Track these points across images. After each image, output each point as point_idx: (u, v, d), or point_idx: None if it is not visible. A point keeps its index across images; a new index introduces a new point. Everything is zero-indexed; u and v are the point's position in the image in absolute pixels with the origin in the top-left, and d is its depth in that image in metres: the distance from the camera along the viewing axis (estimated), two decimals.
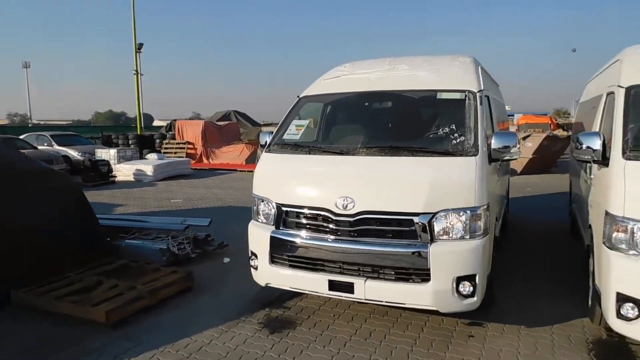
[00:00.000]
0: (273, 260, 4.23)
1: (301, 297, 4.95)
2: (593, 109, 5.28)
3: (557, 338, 4.04)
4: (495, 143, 4.04)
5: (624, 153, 3.52)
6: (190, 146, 20.79)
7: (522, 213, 9.13)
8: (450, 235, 3.75)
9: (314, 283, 4.04)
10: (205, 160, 20.29)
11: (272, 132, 4.89)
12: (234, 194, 12.57)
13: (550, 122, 29.16)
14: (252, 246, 4.45)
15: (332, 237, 3.96)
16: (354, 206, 3.86)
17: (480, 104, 4.28)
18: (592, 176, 4.47)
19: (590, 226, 4.38)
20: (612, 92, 4.19)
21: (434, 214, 3.73)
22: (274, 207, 4.23)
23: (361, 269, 3.89)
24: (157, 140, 22.67)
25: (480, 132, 4.04)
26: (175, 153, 20.70)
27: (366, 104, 4.90)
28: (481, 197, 3.77)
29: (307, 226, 4.09)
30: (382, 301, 3.88)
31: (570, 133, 19.12)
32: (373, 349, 3.88)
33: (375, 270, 3.85)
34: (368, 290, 3.85)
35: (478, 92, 4.37)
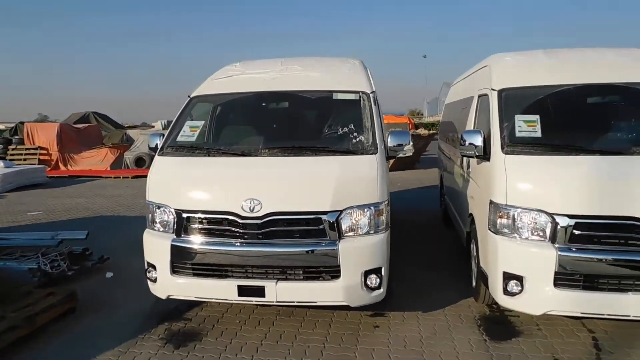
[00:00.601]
0: (175, 270, 3.97)
1: (201, 306, 4.73)
2: (464, 109, 5.84)
3: (451, 319, 4.40)
4: (391, 141, 4.27)
5: (502, 148, 3.95)
6: (44, 152, 18.55)
7: (399, 206, 9.80)
8: (357, 231, 3.87)
9: (222, 290, 3.88)
10: (62, 167, 18.27)
11: (163, 135, 4.59)
12: (104, 202, 11.53)
13: (408, 121, 31.69)
14: (149, 257, 4.13)
15: (240, 241, 3.83)
16: (261, 208, 3.78)
17: (375, 104, 4.50)
18: (470, 170, 4.94)
19: (470, 215, 4.85)
20: (485, 94, 4.69)
21: (341, 211, 3.81)
22: (173, 214, 3.97)
23: (272, 272, 3.83)
24: (1, 146, 19.85)
25: (377, 131, 4.24)
26: (25, 160, 18.32)
27: (263, 104, 4.84)
28: (382, 193, 3.95)
29: (212, 231, 3.91)
30: (293, 302, 3.87)
31: (431, 132, 21.03)
32: (286, 351, 3.85)
33: (285, 271, 3.82)
34: (280, 292, 3.80)
35: (371, 93, 4.57)
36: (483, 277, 4.26)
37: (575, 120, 4.23)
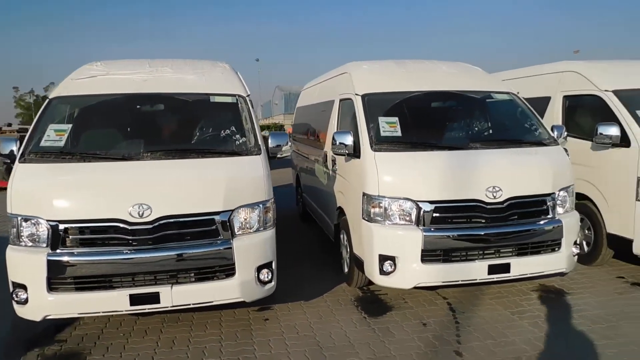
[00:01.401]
0: (52, 287, 3.63)
1: (73, 324, 4.37)
2: (324, 112, 6.35)
3: (332, 304, 4.82)
4: (272, 142, 4.51)
5: (372, 146, 4.49)
6: None
7: None
8: (248, 228, 4.02)
9: (111, 302, 3.68)
10: None
11: (19, 140, 4.13)
12: None
13: None
14: (16, 276, 3.69)
15: (129, 248, 3.69)
16: (151, 213, 3.70)
17: (252, 107, 4.69)
18: (337, 167, 5.43)
19: (339, 208, 5.35)
20: (348, 99, 5.22)
21: (232, 211, 3.93)
22: (47, 227, 3.63)
23: (165, 276, 3.77)
24: None
25: (257, 133, 4.44)
26: None
27: (138, 106, 4.64)
28: (269, 191, 4.18)
29: (96, 241, 3.69)
30: (190, 304, 3.86)
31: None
32: (184, 355, 3.83)
33: (181, 274, 3.80)
34: (175, 296, 3.77)
35: (247, 96, 4.75)
36: (358, 263, 4.76)
37: (425, 121, 5.00)
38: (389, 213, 4.30)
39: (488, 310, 4.54)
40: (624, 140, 5.06)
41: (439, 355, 3.76)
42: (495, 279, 4.36)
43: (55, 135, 4.10)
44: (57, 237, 3.63)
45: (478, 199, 4.24)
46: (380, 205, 4.32)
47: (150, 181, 3.81)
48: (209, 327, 4.31)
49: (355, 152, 4.66)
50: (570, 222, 4.50)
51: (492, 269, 4.26)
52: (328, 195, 5.86)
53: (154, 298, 3.73)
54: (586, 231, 5.65)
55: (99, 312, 3.75)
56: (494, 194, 4.24)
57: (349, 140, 4.66)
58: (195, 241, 3.83)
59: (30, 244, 3.68)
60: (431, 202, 4.22)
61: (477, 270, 4.26)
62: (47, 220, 3.62)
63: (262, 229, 4.10)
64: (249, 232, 4.02)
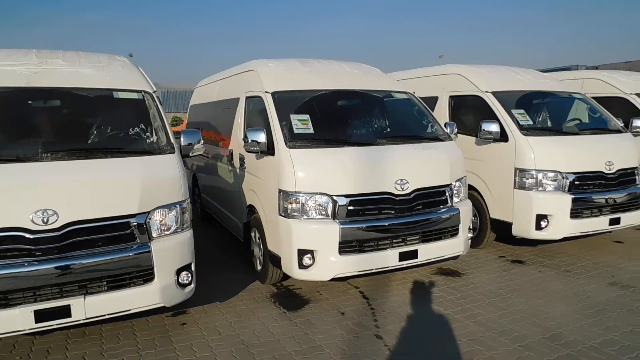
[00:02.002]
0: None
1: None
2: (227, 110, 6.26)
3: (248, 302, 4.79)
4: (184, 140, 4.34)
5: (286, 143, 4.54)
6: None
7: None
8: (166, 230, 3.85)
9: (11, 321, 3.29)
10: None
11: None
12: None
13: None
14: None
15: (31, 259, 3.32)
16: (57, 219, 3.37)
17: (160, 104, 4.47)
18: (246, 166, 5.39)
19: (250, 206, 5.33)
20: (257, 96, 5.21)
21: (149, 212, 3.73)
22: None
23: (76, 287, 3.46)
24: None
25: (169, 131, 4.26)
26: None
27: (29, 102, 4.16)
28: (185, 191, 4.04)
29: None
30: (105, 315, 3.58)
31: None
32: None
33: (94, 283, 3.52)
34: (89, 307, 3.48)
35: (154, 92, 4.52)
36: (273, 259, 4.79)
37: (334, 119, 5.18)
38: (306, 208, 4.40)
39: (397, 295, 4.87)
40: (503, 136, 5.74)
41: (361, 340, 3.96)
42: (405, 265, 4.68)
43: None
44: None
45: (388, 191, 4.52)
46: (297, 200, 4.40)
47: (54, 184, 3.46)
48: (122, 338, 4.04)
49: (269, 149, 4.68)
50: (465, 210, 4.99)
51: (403, 256, 4.58)
52: (235, 194, 5.79)
53: (64, 312, 3.41)
54: (472, 217, 6.30)
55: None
56: (402, 186, 4.55)
57: (262, 137, 4.66)
58: (109, 247, 3.57)
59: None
60: (346, 196, 4.40)
61: (389, 258, 4.54)
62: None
63: (180, 230, 3.95)
64: (167, 234, 3.85)
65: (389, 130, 5.46)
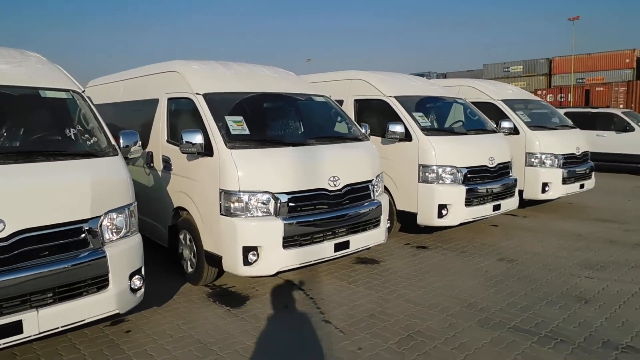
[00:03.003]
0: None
1: None
2: (140, 111, 6.06)
3: (188, 304, 4.78)
4: (123, 142, 4.21)
5: (226, 144, 4.63)
6: None
7: None
8: (117, 234, 3.74)
9: (323, 251, 3.09)
10: None
11: None
12: None
13: None
14: None
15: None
16: (4, 228, 3.11)
17: (92, 104, 4.28)
18: (172, 168, 5.32)
19: (177, 209, 5.28)
20: (185, 98, 5.19)
21: (100, 217, 3.60)
22: None
23: (27, 300, 3.22)
24: None
25: (108, 132, 4.10)
26: None
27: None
28: (132, 193, 3.95)
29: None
30: (58, 327, 3.37)
31: None
32: None
33: (46, 294, 3.30)
34: (42, 321, 3.26)
35: (83, 92, 4.31)
36: (211, 259, 4.84)
37: (265, 120, 5.38)
38: (249, 206, 4.55)
39: (329, 284, 5.25)
40: (407, 136, 6.46)
41: (312, 326, 4.25)
42: (338, 255, 5.07)
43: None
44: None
45: (323, 187, 4.87)
46: (240, 199, 4.53)
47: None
48: (66, 354, 3.80)
49: (206, 150, 4.72)
50: (384, 202, 5.55)
51: (337, 247, 4.96)
52: (158, 198, 5.66)
53: (16, 328, 3.15)
54: None
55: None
56: (335, 183, 4.94)
57: (198, 139, 4.67)
58: (61, 254, 3.38)
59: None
60: (287, 194, 4.65)
61: (326, 249, 4.88)
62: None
63: (129, 234, 3.85)
64: (118, 239, 3.74)
65: (315, 131, 5.81)
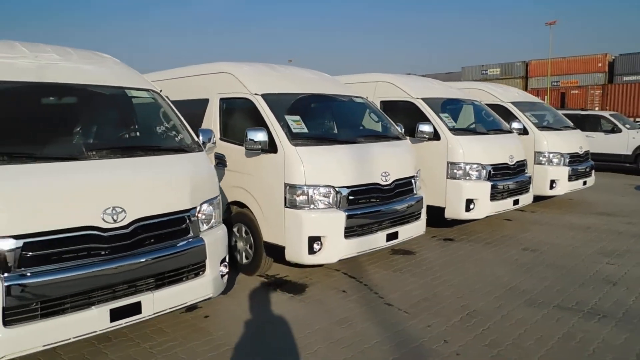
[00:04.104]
0: (8, 320, 2.97)
1: None
2: (184, 111, 6.32)
3: (250, 291, 5.09)
4: (202, 138, 4.50)
5: (290, 142, 4.97)
6: None
7: None
8: (210, 224, 4.05)
9: (89, 322, 3.23)
10: None
11: None
12: None
13: None
14: None
15: (102, 258, 3.30)
16: (125, 216, 3.40)
17: (171, 103, 4.56)
18: (227, 165, 5.61)
19: (230, 204, 5.57)
20: (242, 98, 5.50)
21: (197, 207, 3.90)
22: (11, 242, 2.94)
23: (145, 283, 3.51)
24: None
25: (190, 129, 4.40)
26: None
27: (44, 98, 3.91)
28: (218, 186, 4.26)
29: (65, 254, 3.17)
30: (166, 310, 3.66)
31: None
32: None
33: (159, 278, 3.59)
34: (156, 302, 3.55)
35: (160, 91, 4.59)
36: (272, 250, 5.18)
37: (317, 119, 5.73)
38: (314, 199, 4.91)
39: (376, 273, 5.64)
40: (435, 136, 6.92)
41: (376, 309, 4.63)
42: (389, 245, 5.48)
43: None
44: (19, 257, 2.98)
45: (377, 182, 5.27)
46: (305, 192, 4.88)
47: (118, 182, 3.46)
48: (157, 336, 4.07)
49: (270, 147, 5.04)
50: (424, 196, 5.98)
51: (389, 237, 5.36)
52: None
53: (136, 309, 3.43)
54: None
55: (71, 339, 3.21)
56: (386, 178, 5.34)
57: (262, 137, 4.98)
58: (168, 242, 3.67)
59: None
60: (347, 187, 5.02)
61: (379, 239, 5.28)
62: (10, 236, 2.93)
63: (216, 224, 4.16)
64: (209, 228, 4.05)
65: (360, 130, 6.19)
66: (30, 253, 3.03)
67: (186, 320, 4.38)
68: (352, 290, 5.12)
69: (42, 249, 3.07)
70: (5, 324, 2.92)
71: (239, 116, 5.69)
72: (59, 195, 3.17)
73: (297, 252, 4.95)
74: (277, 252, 5.15)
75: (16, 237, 2.98)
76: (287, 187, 4.92)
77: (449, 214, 6.97)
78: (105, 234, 3.28)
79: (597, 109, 29.10)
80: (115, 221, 3.32)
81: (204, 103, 6.06)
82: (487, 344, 3.92)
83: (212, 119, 5.92)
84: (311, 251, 4.90)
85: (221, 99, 5.83)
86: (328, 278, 5.48)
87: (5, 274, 2.94)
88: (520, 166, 7.52)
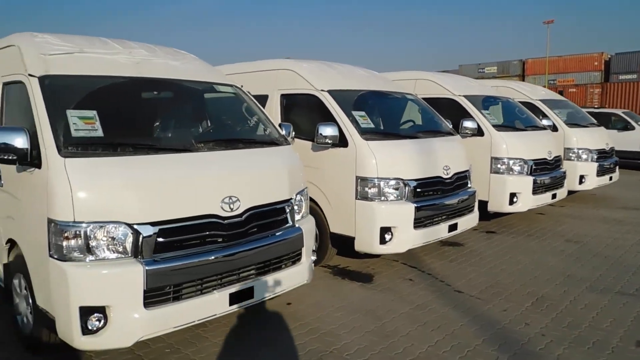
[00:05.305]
0: (150, 302, 3.15)
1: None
2: None
3: (321, 280, 5.29)
4: (284, 132, 4.69)
5: (361, 136, 5.18)
6: None
7: None
8: (302, 214, 4.24)
9: (212, 305, 3.41)
10: None
11: (25, 130, 3.24)
12: None
13: None
14: (85, 298, 3.01)
15: (222, 245, 3.48)
16: (240, 205, 3.59)
17: (253, 98, 4.75)
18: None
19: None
20: (306, 94, 5.69)
21: (293, 197, 4.10)
22: (129, 230, 3.11)
23: (254, 269, 3.70)
24: None
25: (275, 123, 4.59)
26: None
27: (144, 92, 4.07)
28: (304, 178, 4.46)
29: (191, 240, 3.36)
30: (270, 295, 3.85)
31: None
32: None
33: (266, 265, 3.78)
34: (265, 288, 3.74)
35: (241, 86, 4.77)
36: (339, 240, 5.39)
37: (377, 115, 5.94)
38: (384, 191, 5.12)
39: (433, 263, 5.87)
40: (480, 133, 7.17)
41: (447, 295, 4.86)
42: (449, 236, 5.73)
43: (83, 123, 3.39)
44: (152, 244, 3.16)
45: (439, 175, 5.50)
46: (376, 185, 5.09)
47: (232, 172, 3.65)
48: (259, 317, 4.27)
49: (341, 142, 5.24)
50: (477, 191, 6.23)
51: (450, 228, 5.60)
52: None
53: (250, 293, 3.63)
54: None
55: (195, 321, 3.39)
56: (447, 172, 5.57)
57: (333, 131, 5.17)
58: (272, 230, 3.87)
59: (114, 255, 3.08)
60: (415, 180, 5.25)
61: (442, 230, 5.52)
62: (127, 224, 3.10)
63: (306, 214, 4.36)
64: (303, 218, 4.24)
65: (418, 125, 6.42)
66: (163, 239, 3.21)
67: (270, 306, 4.58)
68: (418, 278, 5.35)
69: (173, 236, 3.25)
70: (145, 305, 3.10)
71: (301, 111, 5.88)
72: (186, 184, 3.36)
73: (368, 242, 5.16)
74: (344, 243, 5.36)
75: (153, 224, 3.16)
76: (359, 180, 5.13)
77: (492, 207, 7.22)
78: (224, 222, 3.47)
79: (596, 106, 29.60)
80: (232, 210, 3.50)
81: (263, 99, 6.22)
82: (566, 325, 4.16)
83: (272, 115, 6.07)
84: (382, 241, 5.11)
85: (282, 95, 6.01)
86: (390, 268, 5.69)
87: (145, 259, 3.12)
88: (557, 161, 7.81)
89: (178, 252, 3.28)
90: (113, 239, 3.07)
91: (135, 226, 3.10)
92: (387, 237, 5.12)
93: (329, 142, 5.15)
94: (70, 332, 3.01)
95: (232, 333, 4.04)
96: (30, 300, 3.46)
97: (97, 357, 3.65)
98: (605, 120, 14.41)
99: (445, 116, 7.43)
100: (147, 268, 3.07)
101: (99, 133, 3.37)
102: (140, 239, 3.12)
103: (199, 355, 3.67)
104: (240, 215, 3.57)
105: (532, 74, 43.12)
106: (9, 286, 3.86)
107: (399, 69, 7.89)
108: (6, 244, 3.80)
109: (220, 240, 3.48)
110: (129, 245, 3.11)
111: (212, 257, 3.37)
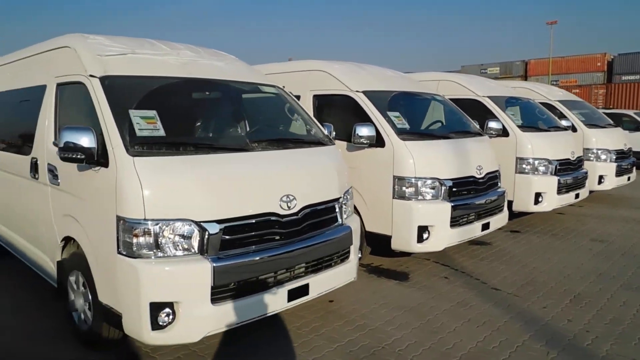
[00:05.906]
0: (216, 298, 3.22)
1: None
2: None
3: (361, 279, 5.36)
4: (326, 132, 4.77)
5: (398, 136, 5.26)
6: None
7: None
8: (347, 213, 4.32)
9: (272, 302, 3.48)
10: None
11: (91, 130, 3.31)
12: None
13: None
14: (159, 294, 3.09)
15: (280, 242, 3.55)
16: (296, 204, 3.66)
17: (295, 98, 4.82)
18: None
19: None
20: (339, 95, 5.77)
21: (342, 196, 4.17)
22: (196, 228, 3.18)
23: (309, 267, 3.77)
24: None
25: (318, 123, 4.66)
26: None
27: (194, 92, 4.14)
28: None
29: (253, 238, 3.43)
30: (323, 292, 3.90)
31: None
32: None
33: (319, 263, 3.85)
34: (319, 285, 3.81)
35: (283, 87, 4.84)
36: (375, 239, 5.46)
37: (409, 115, 6.02)
38: (421, 191, 5.20)
39: (464, 261, 5.94)
40: (504, 133, 7.25)
41: (485, 292, 4.94)
42: (482, 234, 5.80)
43: (145, 123, 3.46)
44: (216, 241, 3.23)
45: (473, 175, 5.58)
46: (414, 184, 5.17)
47: (288, 172, 3.72)
48: (290, 319, 4.34)
49: (377, 142, 5.31)
50: (507, 190, 6.31)
51: (483, 227, 5.68)
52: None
53: (305, 290, 3.69)
54: None
55: (256, 317, 3.46)
56: (480, 171, 5.65)
57: (371, 132, 5.22)
58: (325, 228, 3.94)
59: (181, 252, 3.15)
60: (451, 179, 5.33)
61: (476, 229, 5.59)
62: (194, 221, 3.17)
63: (351, 213, 4.43)
64: (350, 216, 4.31)
65: (448, 125, 6.50)
66: (228, 237, 3.28)
67: (314, 305, 4.64)
68: (453, 277, 5.42)
69: (237, 233, 3.33)
70: (212, 301, 3.17)
71: (335, 112, 5.96)
72: (248, 183, 3.43)
73: (405, 241, 5.24)
74: (379, 242, 5.43)
75: (219, 222, 3.23)
76: (396, 179, 5.21)
77: (517, 207, 7.30)
78: (283, 220, 3.54)
79: (601, 106, 29.75)
80: (289, 208, 3.57)
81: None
82: (608, 322, 4.24)
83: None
84: (420, 240, 5.19)
85: (314, 96, 6.09)
86: (423, 266, 5.77)
87: (212, 256, 3.19)
88: (580, 162, 7.90)
89: (240, 250, 3.35)
90: (181, 236, 3.15)
91: (202, 224, 3.17)
92: (425, 235, 5.19)
93: (366, 142, 5.22)
94: (139, 327, 3.08)
95: (293, 328, 4.12)
96: (90, 297, 3.54)
97: (153, 352, 3.73)
98: (616, 121, 14.44)
99: (468, 117, 7.53)
100: (214, 265, 3.14)
101: (161, 132, 3.44)
102: (207, 236, 3.19)
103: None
104: (297, 214, 3.64)
105: (534, 74, 43.23)
106: (63, 284, 3.93)
107: (399, 69, 7.87)
108: (61, 242, 3.87)
109: (278, 238, 3.54)
110: (195, 242, 3.18)
111: (272, 255, 3.44)
